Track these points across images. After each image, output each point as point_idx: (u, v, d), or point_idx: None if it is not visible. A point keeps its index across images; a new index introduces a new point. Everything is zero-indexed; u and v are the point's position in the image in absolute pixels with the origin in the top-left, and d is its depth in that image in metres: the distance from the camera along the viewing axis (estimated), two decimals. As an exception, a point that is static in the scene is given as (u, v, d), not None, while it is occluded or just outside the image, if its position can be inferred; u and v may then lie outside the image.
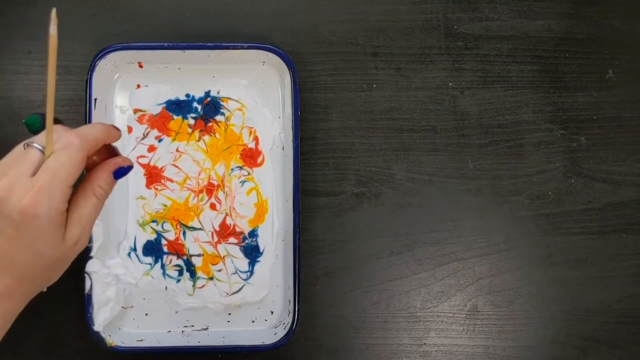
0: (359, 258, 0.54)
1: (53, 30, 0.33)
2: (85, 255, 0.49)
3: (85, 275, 0.49)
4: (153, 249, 0.52)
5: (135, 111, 0.53)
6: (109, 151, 0.38)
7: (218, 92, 0.53)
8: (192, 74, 0.53)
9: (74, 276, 0.51)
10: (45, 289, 0.41)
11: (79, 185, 0.36)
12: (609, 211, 0.56)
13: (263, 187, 0.53)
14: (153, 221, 0.52)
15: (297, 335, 0.52)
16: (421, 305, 0.54)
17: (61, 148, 0.34)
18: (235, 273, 0.52)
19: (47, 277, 0.36)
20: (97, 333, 0.49)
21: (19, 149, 0.35)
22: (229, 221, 0.53)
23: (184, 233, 0.52)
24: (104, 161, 0.38)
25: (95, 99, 0.50)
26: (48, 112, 0.34)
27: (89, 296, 0.49)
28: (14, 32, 0.54)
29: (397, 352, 0.54)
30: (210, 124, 0.53)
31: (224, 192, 0.53)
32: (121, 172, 0.38)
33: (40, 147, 0.34)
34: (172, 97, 0.53)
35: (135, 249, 0.52)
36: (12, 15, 0.54)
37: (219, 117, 0.53)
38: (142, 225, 0.52)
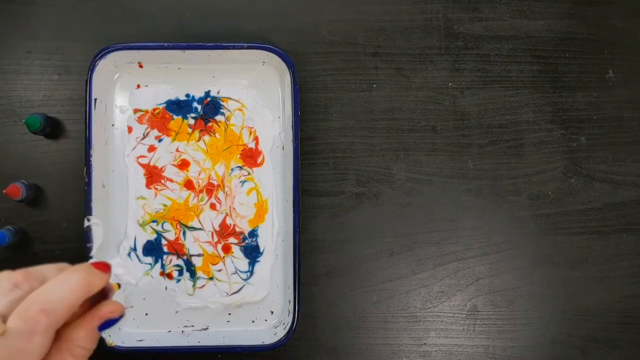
0: (359, 258, 0.54)
1: None
2: (85, 256, 0.49)
3: (85, 275, 0.49)
4: (153, 249, 0.52)
5: (135, 111, 0.53)
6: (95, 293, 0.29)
7: (218, 92, 0.53)
8: (192, 74, 0.53)
9: (74, 276, 0.51)
10: None
11: (52, 344, 0.27)
12: (609, 211, 0.56)
13: (263, 187, 0.53)
14: (153, 221, 0.52)
15: (297, 335, 0.52)
16: (421, 305, 0.54)
17: (18, 329, 0.25)
18: (235, 273, 0.52)
19: None
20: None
21: None
22: (229, 221, 0.53)
23: (184, 233, 0.52)
24: (86, 312, 0.29)
25: (95, 99, 0.50)
26: None
27: (89, 296, 0.49)
28: (13, 31, 0.54)
29: (397, 352, 0.54)
30: (210, 124, 0.53)
31: (224, 192, 0.53)
32: (109, 323, 0.29)
33: None
34: (172, 97, 0.53)
35: (135, 249, 0.52)
36: (12, 15, 0.54)
37: (219, 117, 0.53)
38: (142, 225, 0.52)
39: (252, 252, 0.53)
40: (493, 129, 0.56)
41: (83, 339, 0.28)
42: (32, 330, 0.25)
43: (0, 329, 0.25)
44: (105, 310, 0.29)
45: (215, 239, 0.52)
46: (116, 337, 0.50)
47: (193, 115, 0.53)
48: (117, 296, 0.50)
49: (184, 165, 0.53)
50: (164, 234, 0.52)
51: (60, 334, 0.27)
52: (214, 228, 0.52)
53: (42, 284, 0.27)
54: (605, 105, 0.56)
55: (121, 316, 0.30)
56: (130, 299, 0.52)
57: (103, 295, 0.30)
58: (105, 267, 0.29)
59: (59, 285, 0.27)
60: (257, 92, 0.54)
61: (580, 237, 0.55)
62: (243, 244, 0.53)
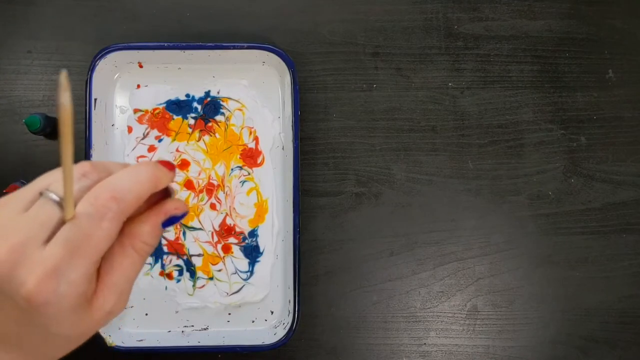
0: (359, 258, 0.54)
1: (64, 98, 0.23)
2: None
3: (85, 275, 0.49)
4: (153, 249, 0.52)
5: (135, 111, 0.53)
6: (158, 192, 0.29)
7: (218, 92, 0.53)
8: (192, 74, 0.53)
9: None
10: None
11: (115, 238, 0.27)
12: (609, 211, 0.56)
13: (263, 187, 0.53)
14: (153, 221, 0.52)
15: (297, 335, 0.52)
16: (421, 305, 0.54)
17: (88, 213, 0.25)
18: (235, 273, 0.52)
19: (68, 349, 0.28)
20: (97, 333, 0.49)
21: (30, 192, 0.26)
22: (229, 221, 0.53)
23: (184, 233, 0.52)
24: (149, 208, 0.28)
25: (95, 99, 0.50)
26: (64, 159, 0.25)
27: (89, 296, 0.49)
28: (14, 31, 0.54)
29: (397, 352, 0.54)
30: (210, 124, 0.53)
31: (224, 192, 0.53)
32: (173, 220, 0.29)
33: (58, 200, 0.25)
34: (172, 97, 0.53)
35: (135, 249, 0.52)
36: (12, 14, 0.54)
37: (219, 117, 0.53)
38: (142, 225, 0.52)
39: (252, 252, 0.53)
40: (493, 129, 0.56)
41: (147, 234, 0.28)
42: (102, 216, 0.25)
43: (70, 214, 0.25)
44: (170, 207, 0.29)
45: (215, 239, 0.52)
46: (116, 337, 0.50)
47: (193, 115, 0.53)
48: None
49: (184, 165, 0.53)
50: (164, 234, 0.52)
51: (123, 229, 0.27)
52: (214, 228, 0.52)
53: (108, 176, 0.27)
54: (605, 105, 0.56)
55: (185, 214, 0.29)
56: (130, 299, 0.51)
57: (165, 195, 0.29)
58: (170, 166, 0.29)
59: (128, 176, 0.27)
60: (257, 92, 0.54)
61: (580, 237, 0.55)
62: (243, 244, 0.53)
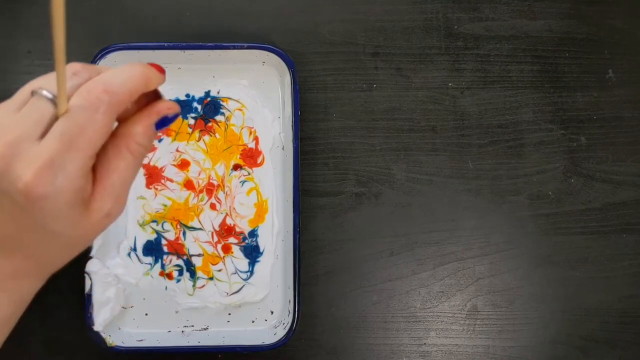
0: (359, 258, 0.54)
1: None
2: (85, 255, 0.49)
3: (85, 275, 0.49)
4: (153, 249, 0.52)
5: (135, 111, 0.53)
6: (149, 94, 0.29)
7: (218, 92, 0.53)
8: (192, 74, 0.53)
9: (74, 276, 0.51)
10: None
11: (108, 140, 0.27)
12: (609, 211, 0.56)
13: (263, 187, 0.53)
14: (153, 221, 0.52)
15: (297, 335, 0.52)
16: (421, 305, 0.54)
17: (81, 105, 0.25)
18: (235, 273, 0.52)
19: (69, 254, 0.29)
20: (97, 333, 0.49)
21: (23, 94, 0.27)
22: (229, 221, 0.53)
23: (184, 233, 0.52)
24: (142, 109, 0.29)
25: (95, 99, 0.50)
26: (57, 50, 0.25)
27: (89, 296, 0.49)
28: (14, 31, 0.54)
29: (397, 352, 0.54)
30: (210, 124, 0.53)
31: (223, 192, 0.53)
32: (165, 121, 0.29)
33: (51, 97, 0.26)
34: (172, 97, 0.53)
35: (135, 249, 0.52)
36: (12, 14, 0.54)
37: (219, 117, 0.53)
38: (142, 225, 0.52)
39: (252, 252, 0.53)
40: (493, 129, 0.56)
41: (140, 134, 0.28)
42: (95, 108, 0.25)
43: (63, 108, 0.25)
44: (162, 106, 0.29)
45: (215, 239, 0.52)
46: (116, 337, 0.50)
47: (193, 115, 0.53)
48: (117, 296, 0.50)
49: (184, 165, 0.53)
50: (164, 234, 0.52)
51: (117, 131, 0.28)
52: (214, 228, 0.52)
53: (99, 75, 0.28)
54: (605, 105, 0.56)
55: (177, 115, 0.30)
56: (130, 299, 0.52)
57: (156, 98, 0.30)
58: (160, 68, 0.29)
59: (120, 72, 0.27)
60: (257, 92, 0.54)
61: (580, 237, 0.55)
62: (243, 244, 0.53)
